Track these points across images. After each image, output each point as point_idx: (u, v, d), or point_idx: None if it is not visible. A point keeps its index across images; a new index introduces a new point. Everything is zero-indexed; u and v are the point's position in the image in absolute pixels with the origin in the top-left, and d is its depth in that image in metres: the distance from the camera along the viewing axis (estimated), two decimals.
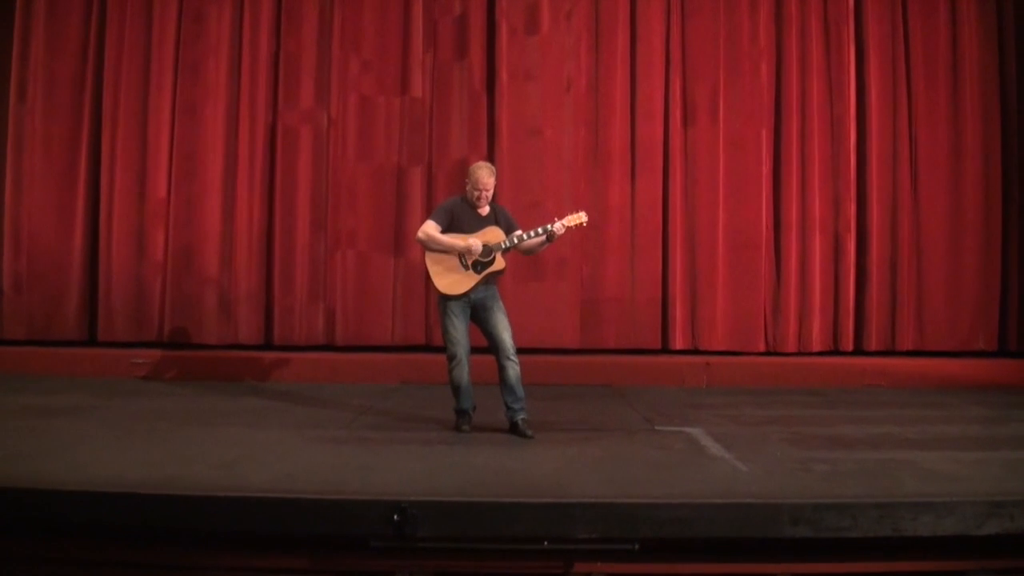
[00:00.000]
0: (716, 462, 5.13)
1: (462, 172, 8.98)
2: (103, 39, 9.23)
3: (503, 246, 5.96)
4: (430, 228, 5.99)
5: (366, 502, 4.11)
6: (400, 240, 9.05)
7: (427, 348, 8.94)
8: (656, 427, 6.29)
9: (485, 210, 6.08)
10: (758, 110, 9.15)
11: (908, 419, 6.70)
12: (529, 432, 5.84)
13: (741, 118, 9.15)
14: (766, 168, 9.14)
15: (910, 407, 7.39)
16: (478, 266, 5.95)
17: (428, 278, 6.13)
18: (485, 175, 6.01)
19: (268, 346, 9.05)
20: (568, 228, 6.00)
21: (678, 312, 9.07)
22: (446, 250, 5.95)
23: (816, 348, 9.06)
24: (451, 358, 6.02)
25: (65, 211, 9.20)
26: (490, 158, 9.00)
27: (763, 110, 9.16)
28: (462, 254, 5.93)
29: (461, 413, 6.09)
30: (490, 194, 6.06)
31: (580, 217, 6.04)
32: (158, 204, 9.15)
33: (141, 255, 9.14)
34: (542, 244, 6.04)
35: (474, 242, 5.91)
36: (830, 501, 4.17)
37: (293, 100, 9.20)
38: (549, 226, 5.93)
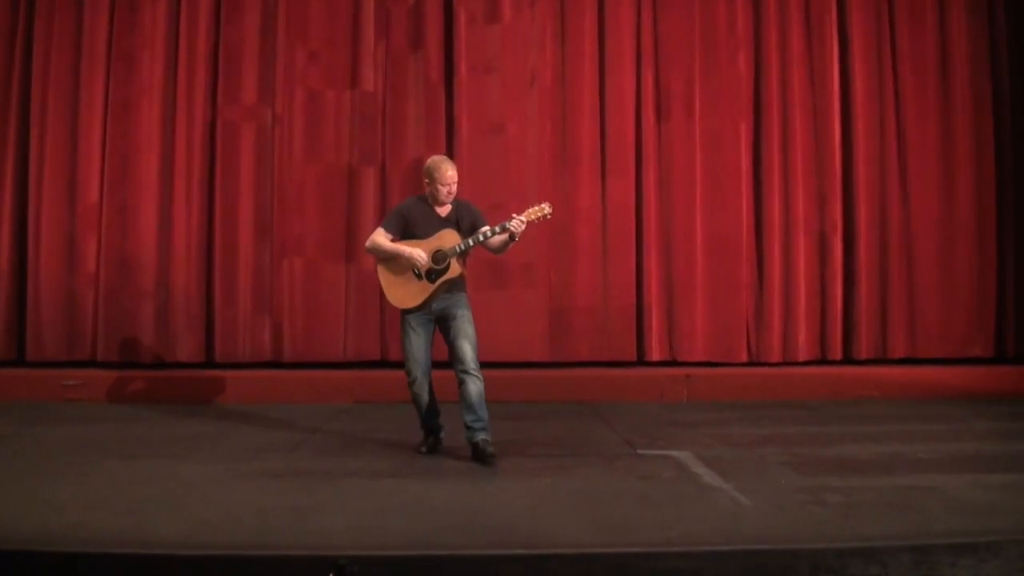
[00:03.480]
0: (713, 494, 4.43)
1: (418, 172, 8.26)
2: (31, 30, 8.50)
3: (458, 250, 5.32)
4: (378, 237, 5.47)
5: (295, 558, 3.35)
6: (352, 247, 8.35)
7: (383, 364, 8.26)
8: (639, 450, 5.59)
9: (445, 209, 5.47)
10: (736, 103, 8.57)
11: (913, 435, 6.06)
12: (490, 450, 5.20)
13: (718, 112, 8.57)
14: (746, 165, 8.57)
15: (910, 421, 6.80)
16: (432, 275, 5.34)
17: (381, 291, 5.48)
18: (449, 168, 5.40)
19: (209, 364, 8.33)
20: (530, 222, 5.32)
21: (654, 321, 8.45)
22: (394, 257, 5.38)
23: (803, 357, 8.45)
24: (407, 374, 5.45)
25: None
26: (449, 156, 8.26)
27: (742, 103, 8.59)
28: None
29: (426, 431, 5.57)
30: (455, 188, 5.43)
31: (543, 209, 5.36)
32: (90, 209, 8.45)
33: (72, 266, 8.43)
34: (506, 243, 5.38)
35: (417, 253, 5.32)
36: (855, 545, 3.47)
37: (234, 95, 8.51)
38: (507, 223, 5.26)
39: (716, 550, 3.43)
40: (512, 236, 5.28)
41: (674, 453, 5.45)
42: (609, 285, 8.45)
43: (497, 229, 5.31)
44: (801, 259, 8.50)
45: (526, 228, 5.29)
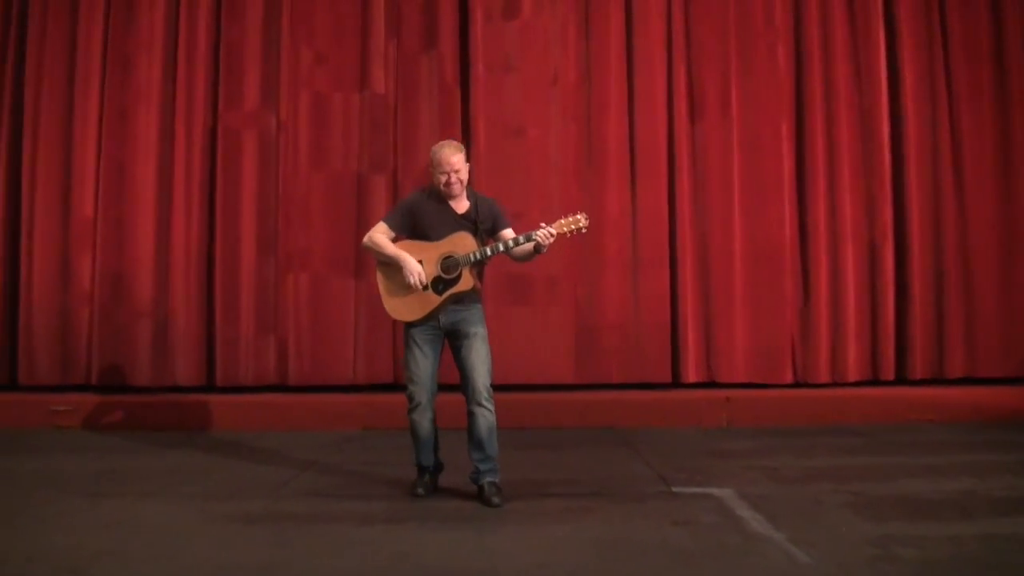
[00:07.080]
0: (763, 546, 3.72)
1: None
2: (24, 34, 8.05)
3: (472, 258, 4.60)
4: (377, 233, 4.78)
5: None
6: (362, 260, 7.77)
7: (395, 387, 7.62)
8: (674, 488, 4.91)
9: (462, 205, 4.73)
10: (776, 101, 7.94)
11: (983, 467, 5.36)
12: (496, 500, 4.53)
13: (757, 111, 7.94)
14: (788, 168, 7.92)
15: (976, 449, 6.08)
16: (439, 285, 4.63)
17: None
18: (448, 152, 4.65)
19: (210, 388, 7.79)
20: (561, 235, 4.59)
21: (690, 339, 7.79)
22: (392, 262, 4.69)
23: (852, 378, 7.78)
24: (409, 399, 4.75)
25: None
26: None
27: (782, 101, 7.95)
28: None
29: (421, 470, 4.86)
30: (461, 176, 4.65)
31: (577, 221, 4.60)
32: (84, 224, 7.96)
33: (66, 283, 7.93)
34: (531, 254, 4.66)
35: (415, 269, 4.63)
36: None
37: (236, 100, 7.99)
38: (533, 233, 4.54)
39: None
40: (538, 248, 4.58)
41: (714, 491, 4.77)
42: (640, 300, 7.83)
43: (521, 239, 4.60)
44: (850, 270, 7.85)
45: (556, 241, 4.58)
